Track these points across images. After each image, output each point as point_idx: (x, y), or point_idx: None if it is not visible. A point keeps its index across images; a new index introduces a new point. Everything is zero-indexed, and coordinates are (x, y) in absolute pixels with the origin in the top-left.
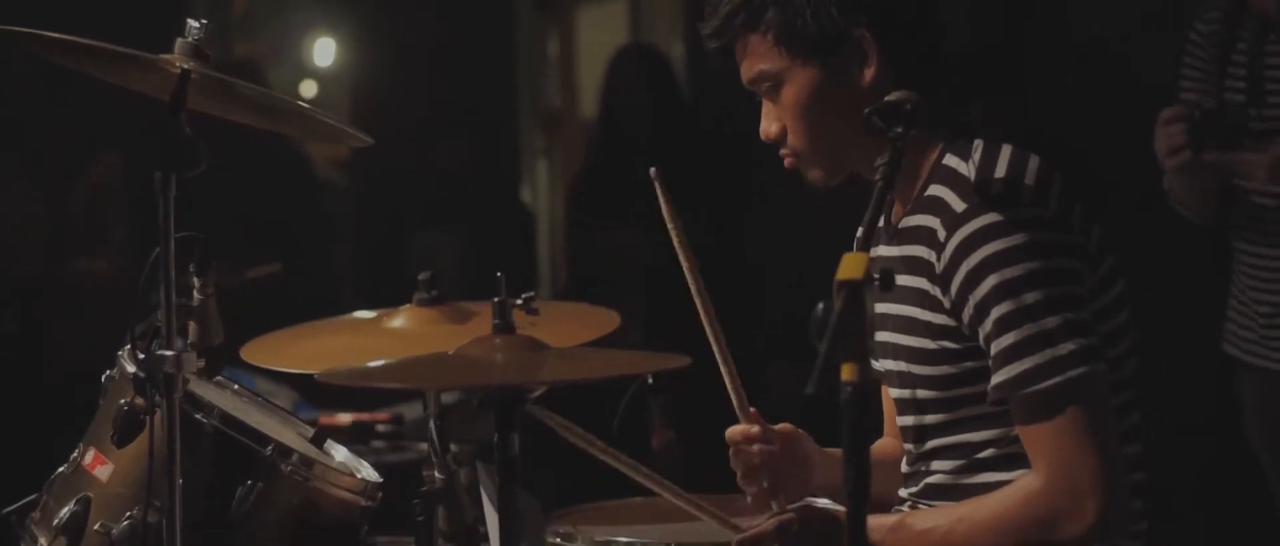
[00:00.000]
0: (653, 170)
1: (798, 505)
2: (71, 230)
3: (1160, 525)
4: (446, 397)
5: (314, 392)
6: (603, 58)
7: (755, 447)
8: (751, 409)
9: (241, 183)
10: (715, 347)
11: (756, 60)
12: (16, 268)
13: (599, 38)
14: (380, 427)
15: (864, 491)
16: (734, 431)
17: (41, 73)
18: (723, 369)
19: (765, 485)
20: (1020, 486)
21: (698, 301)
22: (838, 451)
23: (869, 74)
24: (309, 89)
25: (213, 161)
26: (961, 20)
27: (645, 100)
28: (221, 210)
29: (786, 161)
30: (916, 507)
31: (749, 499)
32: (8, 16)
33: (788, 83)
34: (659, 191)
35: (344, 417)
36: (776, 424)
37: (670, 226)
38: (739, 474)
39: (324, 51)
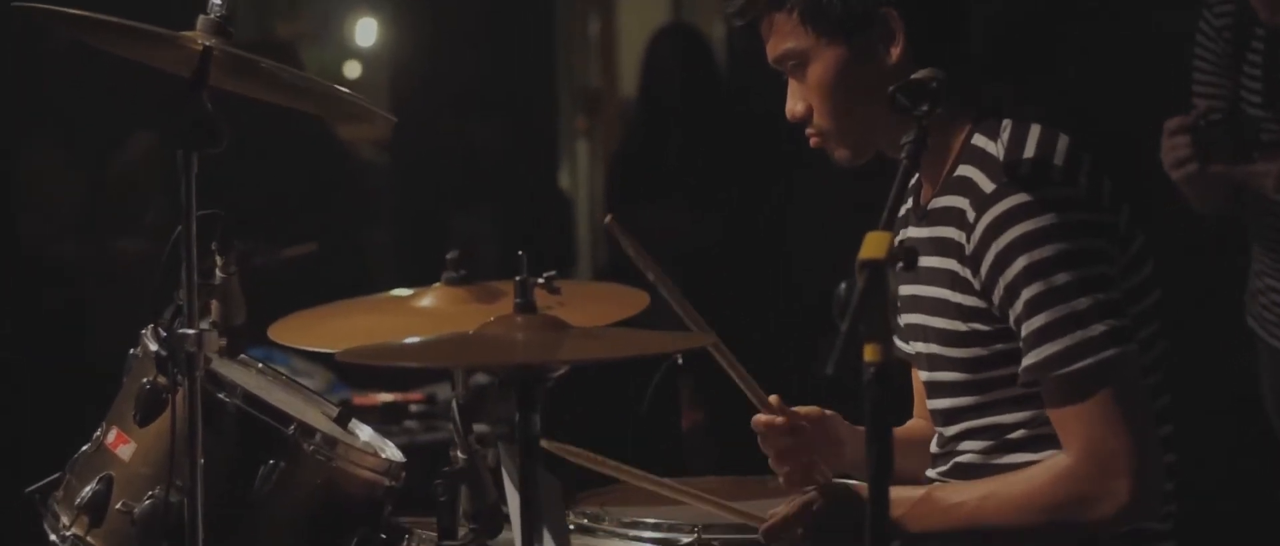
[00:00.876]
0: (608, 218)
1: (822, 484)
2: (107, 209)
3: (1189, 507)
4: (480, 379)
5: (348, 372)
6: (644, 38)
7: (783, 435)
8: (771, 397)
9: (279, 161)
10: (721, 360)
11: (782, 39)
12: (54, 246)
13: (640, 18)
14: (413, 407)
15: (887, 471)
16: (759, 418)
17: (77, 52)
18: (731, 372)
19: (797, 467)
20: (1051, 465)
21: (684, 316)
22: None
23: (895, 53)
24: (351, 69)
25: (250, 140)
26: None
27: (684, 81)
28: (258, 189)
29: (812, 141)
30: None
31: (782, 480)
32: None
33: (813, 61)
34: (620, 238)
35: (377, 397)
36: (809, 403)
37: (643, 267)
38: (770, 458)
39: (365, 31)
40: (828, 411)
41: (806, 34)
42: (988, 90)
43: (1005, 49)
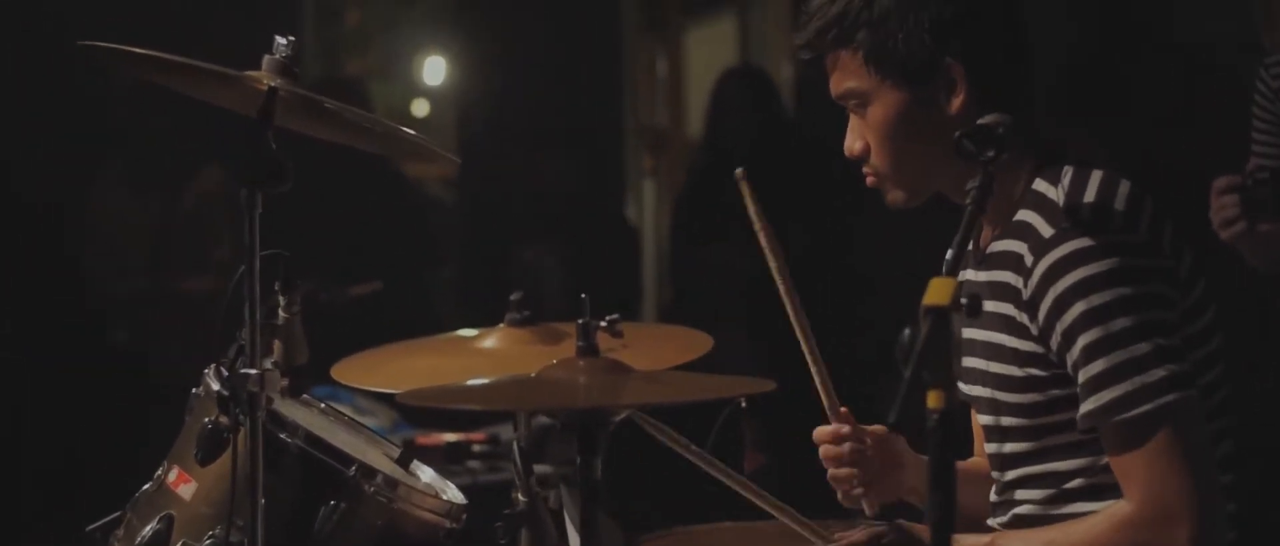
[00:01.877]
0: (739, 171)
1: (893, 522)
2: (175, 245)
3: None
4: (542, 420)
5: (411, 412)
6: (711, 78)
7: (846, 447)
8: (842, 409)
9: (346, 200)
10: (805, 347)
11: (846, 76)
12: (120, 284)
13: (708, 58)
14: (476, 447)
15: (950, 520)
16: (822, 431)
17: (144, 90)
18: (813, 369)
19: (856, 484)
20: (1112, 513)
21: (786, 300)
22: None
23: (957, 103)
24: (419, 107)
25: (318, 178)
26: (1058, 38)
27: (750, 122)
28: (325, 227)
29: (869, 179)
30: None
31: (839, 496)
32: (108, 34)
33: (874, 103)
34: (745, 193)
35: (441, 437)
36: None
37: (757, 226)
38: (829, 472)
39: (434, 70)
40: (893, 432)
41: (870, 75)
42: (1051, 135)
43: (1075, 91)
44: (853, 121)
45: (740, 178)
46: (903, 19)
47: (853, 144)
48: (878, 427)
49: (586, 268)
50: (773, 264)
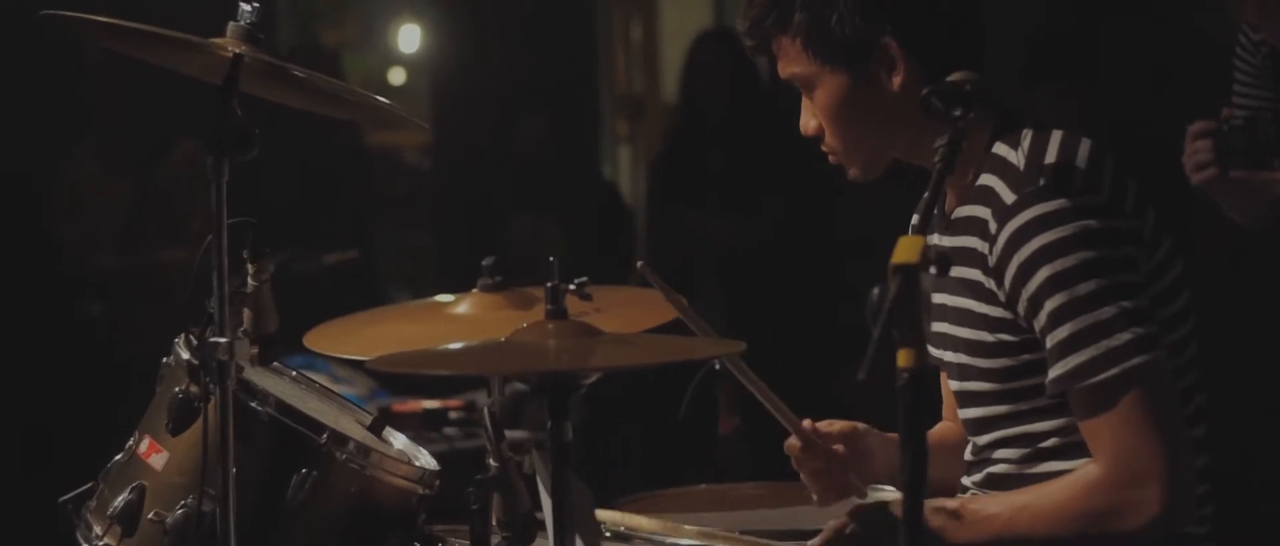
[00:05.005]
0: (640, 264)
1: (853, 508)
2: (149, 218)
3: (1226, 509)
4: (518, 385)
5: (389, 379)
6: (686, 42)
7: (815, 457)
8: (804, 421)
9: (318, 167)
10: (747, 384)
11: (788, 62)
12: (94, 257)
13: (683, 23)
14: (453, 414)
15: (921, 478)
16: (792, 444)
17: (116, 62)
18: (763, 400)
19: (831, 486)
20: (1082, 475)
21: (730, 367)
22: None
23: (897, 81)
24: (396, 75)
25: (291, 146)
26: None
27: (726, 85)
28: (298, 195)
29: (830, 157)
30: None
31: (816, 498)
32: (78, 4)
33: (818, 86)
34: (652, 280)
35: (417, 404)
36: (847, 404)
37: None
38: (804, 479)
39: (409, 38)
40: (860, 425)
41: (810, 60)
42: (1012, 99)
43: (1047, 54)
44: (805, 102)
45: (642, 269)
46: (834, 2)
47: (807, 123)
48: (844, 426)
49: (563, 235)
50: (691, 323)
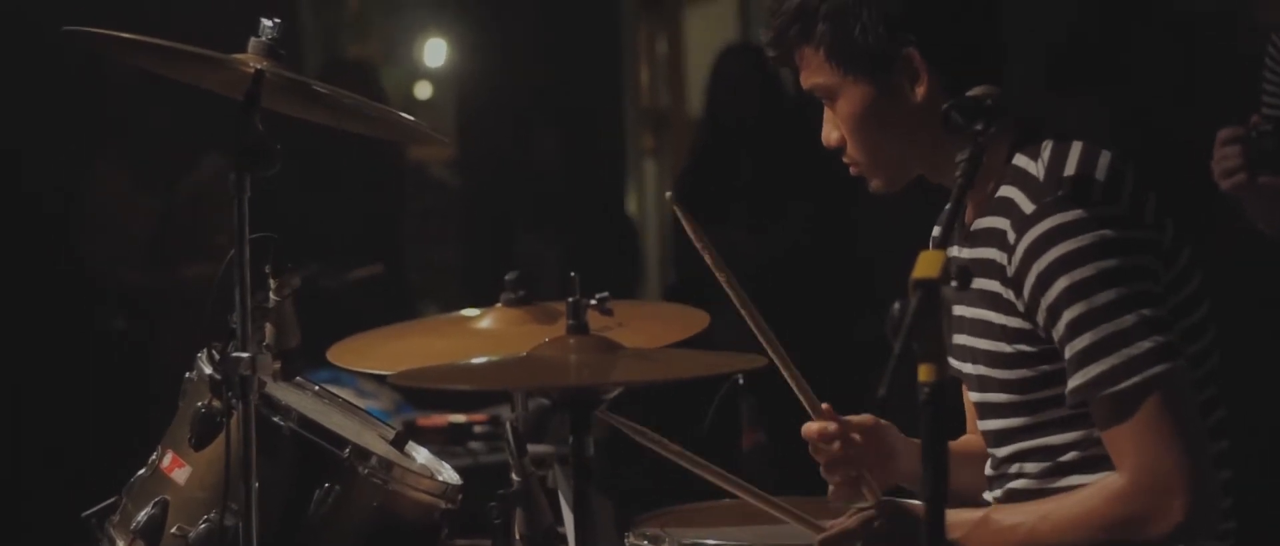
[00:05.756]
0: (668, 195)
1: (882, 502)
2: (174, 233)
3: (1247, 523)
4: (542, 400)
5: (413, 394)
6: (711, 56)
7: (834, 444)
8: (823, 405)
9: (346, 183)
10: (773, 356)
11: (811, 73)
12: (123, 270)
13: (708, 37)
14: (477, 429)
15: (942, 494)
16: (810, 428)
17: (142, 78)
18: (785, 374)
19: (847, 476)
20: (1105, 486)
21: (744, 313)
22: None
23: (921, 91)
24: (422, 90)
25: (319, 162)
26: (1059, 13)
27: (751, 99)
28: (325, 211)
29: (851, 169)
30: None
31: (831, 489)
32: (107, 21)
33: (841, 97)
34: (682, 218)
35: (442, 419)
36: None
37: (699, 248)
38: (821, 466)
39: (434, 52)
40: (882, 421)
41: (833, 71)
42: (1034, 110)
43: (1073, 62)
44: (827, 113)
45: (672, 202)
46: (857, 12)
47: (829, 135)
48: (865, 418)
49: (586, 249)
50: (723, 282)
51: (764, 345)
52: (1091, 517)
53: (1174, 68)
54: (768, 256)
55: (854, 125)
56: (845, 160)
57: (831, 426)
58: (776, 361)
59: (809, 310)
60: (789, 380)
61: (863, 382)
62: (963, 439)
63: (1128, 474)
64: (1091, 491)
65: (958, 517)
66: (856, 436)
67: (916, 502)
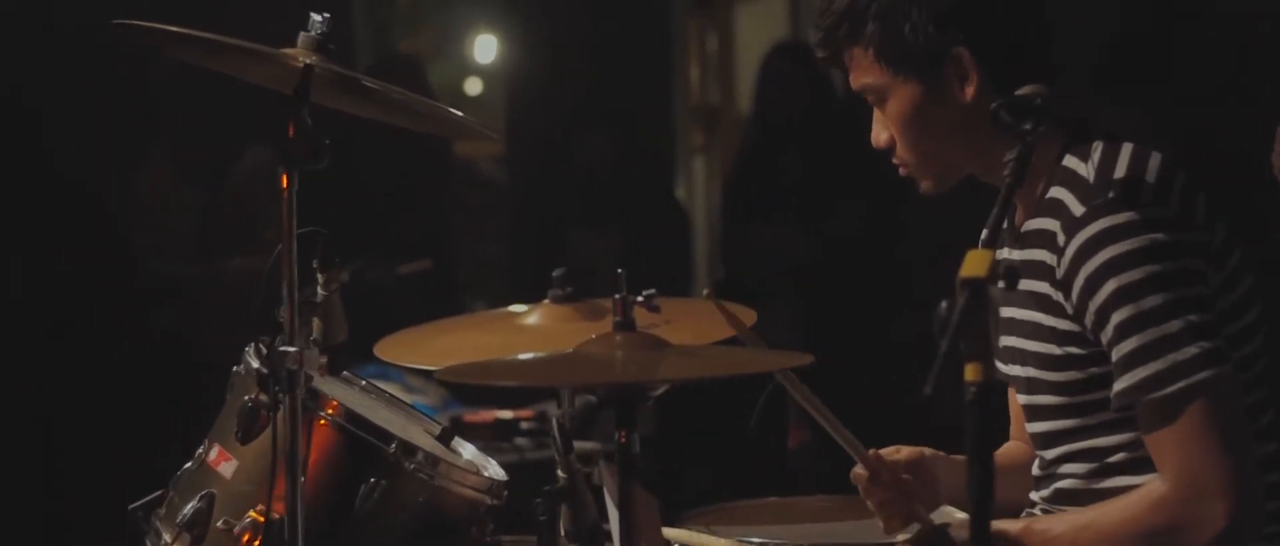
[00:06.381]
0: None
1: (924, 531)
2: (222, 225)
3: None
4: (588, 397)
5: (460, 389)
6: (762, 54)
7: (882, 485)
8: (871, 451)
9: (395, 178)
10: (817, 417)
11: (861, 73)
12: (169, 262)
13: (758, 34)
14: (523, 425)
15: (989, 495)
16: (858, 473)
17: (189, 71)
18: (832, 433)
19: (897, 514)
20: (1148, 492)
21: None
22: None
23: (970, 90)
24: (472, 86)
25: (367, 156)
26: (1107, 11)
27: (801, 97)
28: (373, 205)
29: (900, 169)
30: (1047, 513)
31: (882, 527)
32: (154, 14)
33: (891, 97)
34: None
35: (488, 414)
36: (915, 420)
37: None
38: (871, 507)
39: (485, 48)
40: (925, 451)
41: (882, 71)
42: (1083, 111)
43: (1122, 65)
44: (876, 114)
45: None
46: (907, 11)
47: (878, 136)
48: (910, 453)
49: (638, 246)
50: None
51: (801, 401)
52: (1134, 525)
53: (1225, 66)
54: (816, 254)
55: (904, 126)
56: (894, 161)
57: (879, 469)
58: (815, 414)
59: (855, 308)
60: (832, 432)
61: (905, 381)
62: (1005, 447)
63: (1170, 480)
64: (1134, 498)
65: (998, 527)
66: (906, 476)
67: (953, 522)
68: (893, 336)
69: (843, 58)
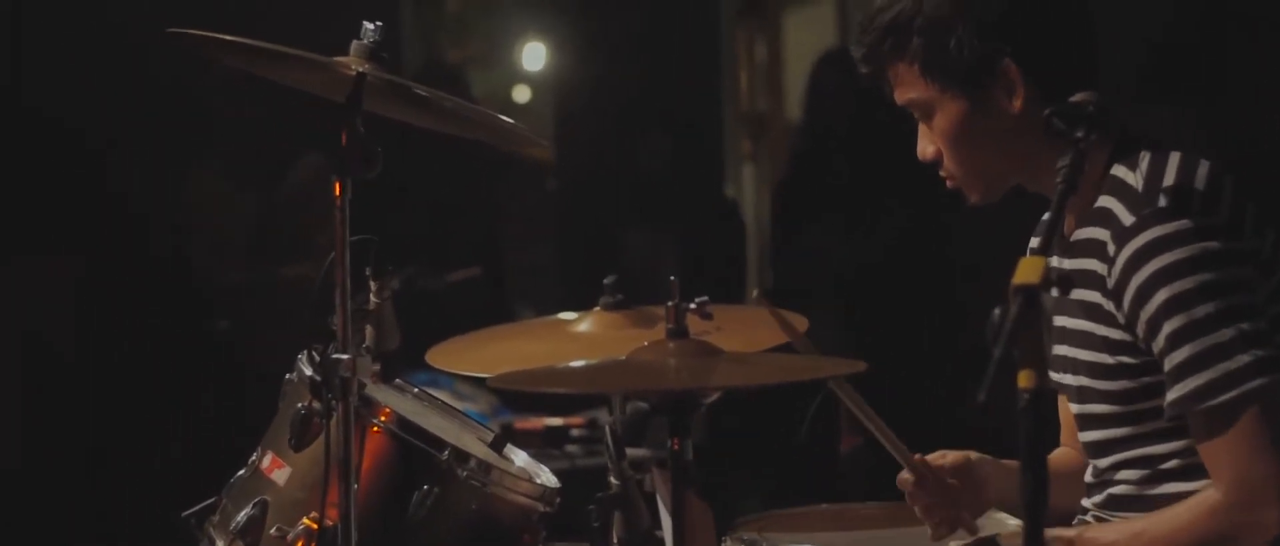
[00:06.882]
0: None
1: (965, 544)
2: (276, 233)
3: None
4: (640, 404)
5: (511, 396)
6: (811, 62)
7: (928, 490)
8: (916, 457)
9: (444, 185)
10: (865, 420)
11: (906, 88)
12: (224, 271)
13: (807, 42)
14: (574, 432)
15: (1042, 501)
16: (904, 478)
17: (243, 79)
18: (881, 439)
19: (944, 519)
20: (1201, 500)
21: (842, 395)
22: (1013, 463)
23: (1017, 103)
24: (520, 94)
25: (418, 165)
26: (1154, 17)
27: (848, 104)
28: (423, 213)
29: (947, 182)
30: (1100, 520)
31: (930, 532)
32: (206, 23)
33: (937, 112)
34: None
35: (539, 421)
36: (966, 426)
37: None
38: (918, 513)
39: (533, 56)
40: (972, 455)
41: (928, 86)
42: (1129, 119)
43: (1168, 70)
44: (922, 128)
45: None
46: (951, 25)
47: (924, 150)
48: (956, 458)
49: (687, 253)
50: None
51: (849, 404)
52: (1187, 532)
53: (1274, 72)
54: (866, 263)
55: (951, 139)
56: (942, 173)
57: (925, 476)
58: (863, 418)
59: (907, 317)
60: (878, 436)
61: (958, 391)
62: (1056, 453)
63: (1223, 488)
64: (1186, 506)
65: (1051, 534)
66: (952, 482)
67: (1000, 527)
68: (942, 343)
69: (887, 72)
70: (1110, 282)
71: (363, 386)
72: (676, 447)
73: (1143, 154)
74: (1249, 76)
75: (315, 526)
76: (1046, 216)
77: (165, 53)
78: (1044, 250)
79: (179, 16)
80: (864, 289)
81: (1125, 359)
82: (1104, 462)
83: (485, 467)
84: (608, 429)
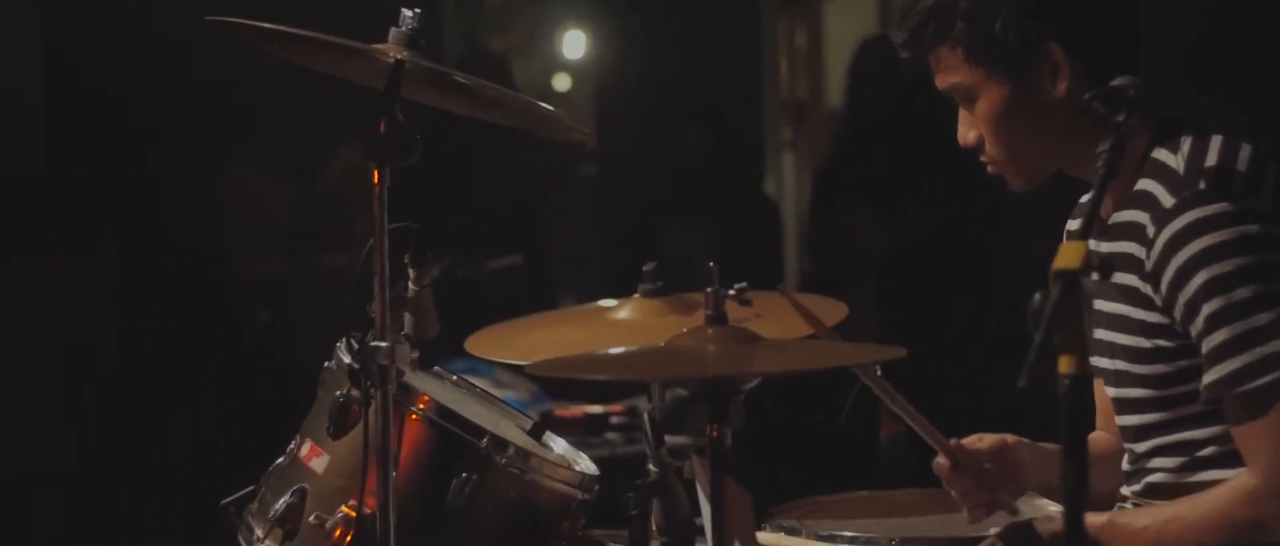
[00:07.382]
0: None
1: (1009, 526)
2: (314, 224)
3: None
4: (679, 391)
5: (550, 384)
6: (851, 49)
7: (966, 475)
8: (952, 441)
9: (485, 173)
10: (897, 409)
11: (949, 73)
12: (264, 260)
13: (847, 29)
14: (614, 419)
15: (1083, 487)
16: (941, 464)
17: (283, 69)
18: (913, 426)
19: (981, 504)
20: (1234, 486)
21: (875, 387)
22: (1051, 446)
23: (1062, 87)
24: (561, 82)
25: (457, 152)
26: (1192, 5)
27: (888, 92)
28: (464, 201)
29: (988, 168)
30: (1138, 506)
31: (967, 515)
32: (242, 10)
33: (981, 96)
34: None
35: (579, 409)
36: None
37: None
38: (955, 497)
39: (574, 44)
40: (1009, 439)
41: (972, 70)
42: (1170, 104)
43: (1206, 59)
44: (962, 114)
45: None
46: (996, 8)
47: (966, 135)
48: (993, 441)
49: (726, 241)
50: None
51: (880, 393)
52: (1220, 519)
53: None
54: (903, 248)
55: (994, 124)
56: (983, 159)
57: (962, 462)
58: (894, 408)
59: (947, 303)
60: (912, 424)
61: (997, 376)
62: (1094, 436)
63: (1258, 474)
64: (1220, 492)
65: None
66: (988, 466)
67: (1037, 512)
68: (981, 329)
69: (929, 57)
70: (1149, 265)
71: (401, 374)
72: (715, 435)
73: (1184, 137)
74: None
75: (354, 514)
76: (1084, 199)
77: (204, 45)
78: (1083, 233)
79: (217, 5)
80: (903, 275)
81: (1162, 342)
82: (1141, 448)
83: (524, 455)
84: (646, 416)
